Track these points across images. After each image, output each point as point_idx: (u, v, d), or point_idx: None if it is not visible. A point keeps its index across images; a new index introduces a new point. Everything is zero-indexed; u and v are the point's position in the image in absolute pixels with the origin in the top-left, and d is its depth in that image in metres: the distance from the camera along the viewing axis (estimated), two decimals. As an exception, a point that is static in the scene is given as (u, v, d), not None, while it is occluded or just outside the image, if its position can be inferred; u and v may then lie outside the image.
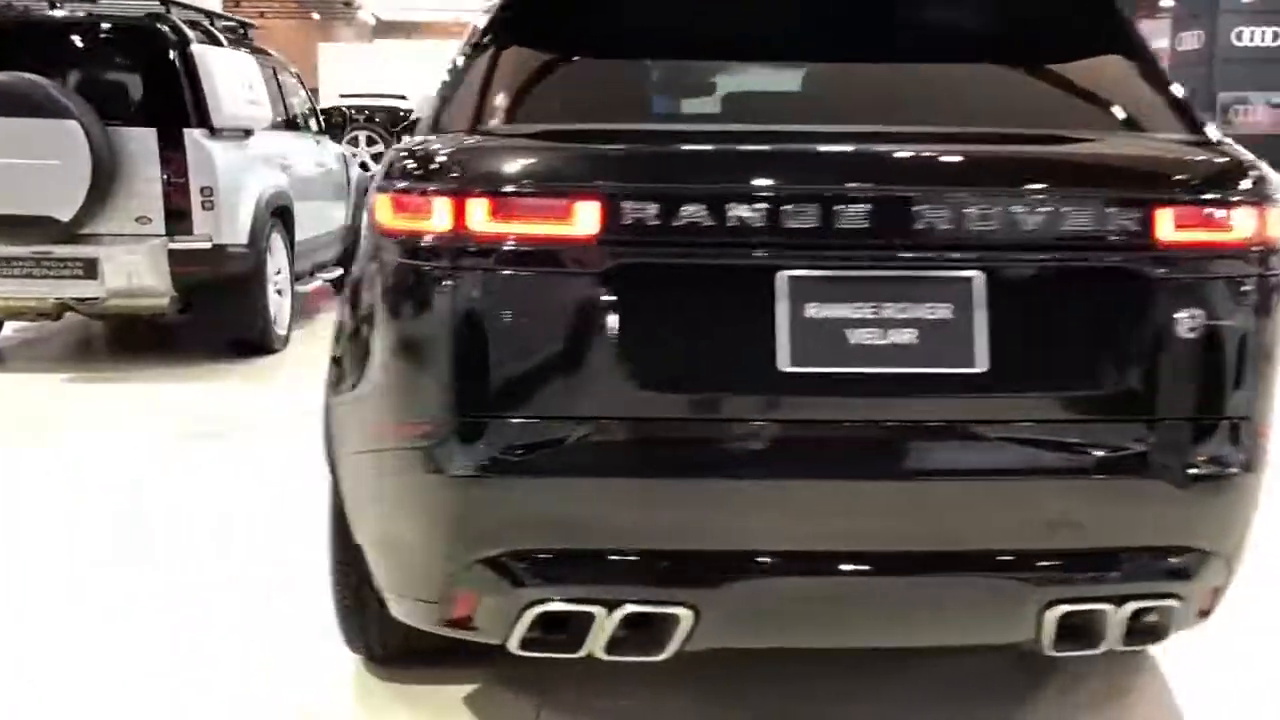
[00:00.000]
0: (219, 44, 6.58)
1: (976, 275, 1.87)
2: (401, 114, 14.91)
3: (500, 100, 2.16)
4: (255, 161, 6.64)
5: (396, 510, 2.08)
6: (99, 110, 5.87)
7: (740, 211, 1.83)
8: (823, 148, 1.96)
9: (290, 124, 7.64)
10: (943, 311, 1.86)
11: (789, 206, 1.83)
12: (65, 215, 5.78)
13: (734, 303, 1.88)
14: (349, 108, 15.61)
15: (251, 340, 6.57)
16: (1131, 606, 1.95)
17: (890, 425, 1.89)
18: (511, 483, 1.91)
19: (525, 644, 1.99)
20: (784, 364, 1.84)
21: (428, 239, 1.95)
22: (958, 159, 1.96)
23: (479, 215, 1.89)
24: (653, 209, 1.83)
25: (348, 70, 23.05)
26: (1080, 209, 1.90)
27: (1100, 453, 1.94)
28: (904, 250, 1.86)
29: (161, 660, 2.81)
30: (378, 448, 2.10)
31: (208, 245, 6.06)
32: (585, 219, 1.85)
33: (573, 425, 1.89)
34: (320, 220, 7.83)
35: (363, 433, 2.15)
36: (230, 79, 6.41)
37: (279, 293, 6.74)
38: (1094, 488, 1.97)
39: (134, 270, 6.00)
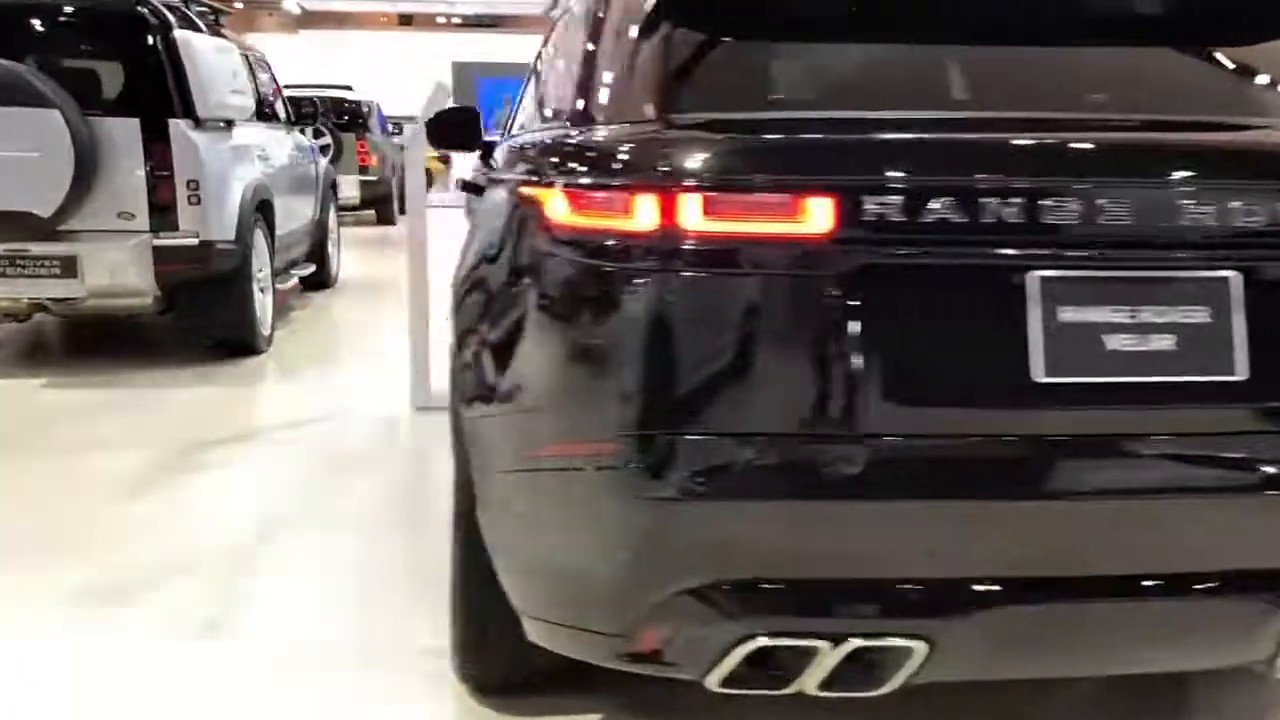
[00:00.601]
0: (198, 30, 6.26)
1: (1233, 275, 1.74)
2: (348, 105, 14.53)
3: (683, 85, 1.97)
4: (239, 153, 6.33)
5: (574, 537, 1.90)
6: (77, 99, 5.54)
7: (992, 206, 1.68)
8: (1079, 138, 1.81)
9: (263, 114, 7.32)
10: (1199, 315, 1.73)
11: (1043, 201, 1.68)
12: (46, 211, 5.43)
13: (982, 307, 1.73)
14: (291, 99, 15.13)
15: (237, 341, 6.27)
16: None
17: (1147, 439, 1.76)
18: (729, 507, 1.74)
19: (729, 680, 1.83)
20: (1037, 374, 1.70)
21: (627, 239, 1.77)
22: (1218, 150, 1.84)
23: (693, 212, 1.71)
24: (896, 204, 1.67)
25: (273, 63, 22.43)
26: None
27: None
28: (1159, 248, 1.73)
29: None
30: (548, 468, 1.91)
31: (194, 242, 5.75)
32: (818, 216, 1.68)
33: (798, 443, 1.73)
34: (294, 215, 7.53)
35: (524, 451, 1.96)
36: (214, 67, 6.10)
37: (261, 291, 6.45)
38: None
39: (116, 268, 5.67)
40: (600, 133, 1.95)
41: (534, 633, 2.14)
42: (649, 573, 1.79)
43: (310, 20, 32.91)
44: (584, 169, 1.87)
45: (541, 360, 1.92)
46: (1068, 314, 1.70)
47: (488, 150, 4.18)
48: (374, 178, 14.11)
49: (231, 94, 6.32)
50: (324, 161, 8.95)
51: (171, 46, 5.75)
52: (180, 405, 5.33)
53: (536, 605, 2.07)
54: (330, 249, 9.00)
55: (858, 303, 1.69)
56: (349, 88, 15.07)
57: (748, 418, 1.73)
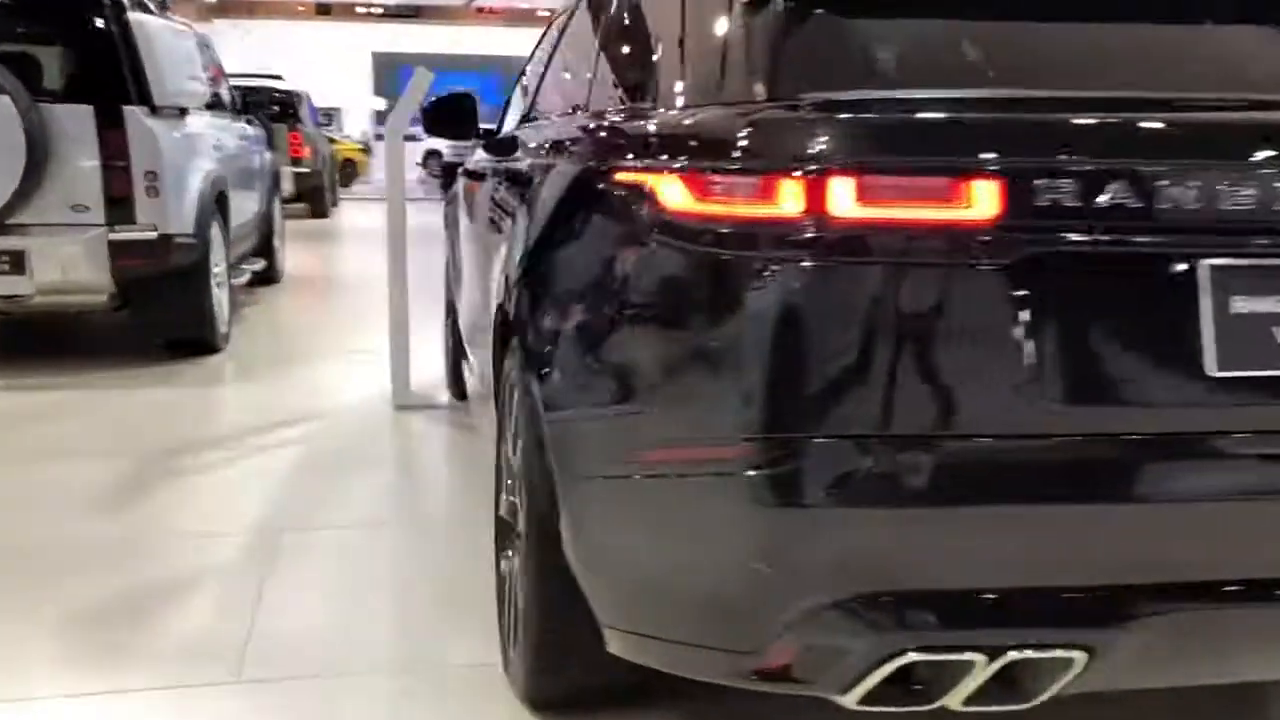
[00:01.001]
0: (149, 12, 5.96)
1: None
2: (278, 95, 14.12)
3: (802, 61, 1.83)
4: (195, 143, 6.05)
5: (700, 549, 1.76)
6: (26, 85, 5.22)
7: (1166, 191, 1.58)
8: (1247, 119, 1.72)
9: (213, 102, 7.02)
10: None
11: (1217, 185, 1.59)
12: (-5, 203, 5.12)
13: (1152, 298, 1.63)
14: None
15: (195, 340, 5.99)
16: None
17: None
18: (880, 514, 1.62)
19: (869, 698, 1.71)
20: (1211, 368, 1.60)
21: (764, 226, 1.63)
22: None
23: (844, 197, 1.58)
24: (1067, 189, 1.56)
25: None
26: None
27: None
28: None
29: None
30: (666, 474, 1.77)
31: (153, 235, 5.47)
32: (984, 201, 1.56)
33: (953, 445, 1.61)
34: (245, 207, 7.24)
35: (639, 457, 1.82)
36: (170, 50, 5.82)
37: (218, 286, 6.17)
38: None
39: (69, 264, 5.38)
40: (721, 113, 1.81)
41: (631, 650, 2.00)
42: (787, 586, 1.67)
43: (226, 8, 32.07)
44: (711, 153, 1.72)
45: (657, 359, 1.78)
46: (1241, 304, 1.61)
47: (487, 138, 4.04)
48: (307, 169, 13.76)
49: (188, 80, 6.04)
50: (269, 152, 8.65)
51: (126, 29, 5.45)
52: (142, 408, 5.06)
53: (642, 622, 1.93)
54: (276, 243, 8.71)
55: (1023, 294, 1.58)
56: (279, 77, 14.67)
57: (901, 418, 1.61)
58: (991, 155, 1.59)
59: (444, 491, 3.95)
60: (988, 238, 1.58)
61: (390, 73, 32.74)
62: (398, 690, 2.52)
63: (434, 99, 3.93)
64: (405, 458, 4.39)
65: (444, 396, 5.23)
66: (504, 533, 2.70)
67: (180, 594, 3.01)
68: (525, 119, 3.55)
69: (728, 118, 1.78)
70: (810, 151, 1.61)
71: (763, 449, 1.64)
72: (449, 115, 3.90)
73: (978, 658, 1.64)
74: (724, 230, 1.68)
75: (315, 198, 14.49)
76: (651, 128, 1.99)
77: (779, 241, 1.62)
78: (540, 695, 2.33)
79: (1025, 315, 1.59)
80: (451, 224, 4.83)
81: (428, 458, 4.37)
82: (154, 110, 5.52)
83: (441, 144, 27.56)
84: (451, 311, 5.21)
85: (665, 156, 1.81)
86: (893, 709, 1.75)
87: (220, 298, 6.19)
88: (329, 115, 17.81)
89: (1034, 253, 1.59)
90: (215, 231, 6.10)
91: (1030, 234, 1.59)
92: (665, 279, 1.78)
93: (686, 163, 1.75)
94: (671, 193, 1.75)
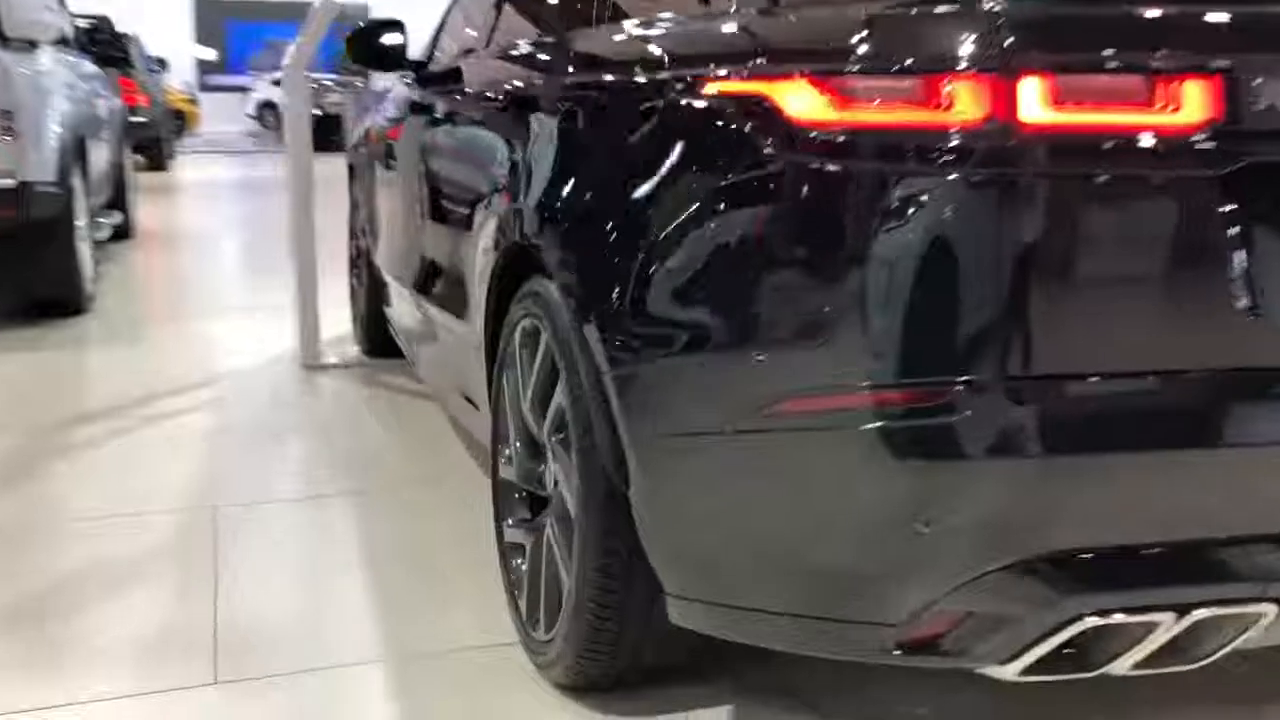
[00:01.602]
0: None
1: None
2: (107, 37, 13.05)
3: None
4: (51, 81, 5.45)
5: (828, 511, 1.54)
6: None
7: None
8: None
9: (60, 39, 6.35)
10: None
11: None
12: None
13: None
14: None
15: (59, 299, 5.42)
16: None
17: None
18: (1073, 463, 1.42)
19: (1033, 668, 1.53)
20: None
21: (930, 138, 1.41)
22: None
23: (1033, 102, 1.37)
24: None
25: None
26: None
27: None
28: None
29: None
30: (788, 428, 1.54)
31: (12, 184, 4.89)
32: (1197, 102, 1.37)
33: (1158, 382, 1.42)
34: (99, 156, 6.61)
35: (742, 408, 1.58)
36: (18, -25, 5.19)
37: (82, 242, 5.59)
38: None
39: (-86, 218, 4.77)
40: (859, 10, 1.55)
41: (719, 625, 1.78)
42: (955, 549, 1.46)
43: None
44: (859, 54, 1.48)
45: (789, 298, 1.53)
46: None
47: (417, 70, 3.68)
48: (144, 119, 12.79)
49: (41, 9, 5.41)
50: (116, 97, 7.95)
51: (-30, -51, 4.83)
52: (17, 377, 4.53)
53: (745, 595, 1.71)
54: (130, 195, 8.04)
55: (1238, 209, 1.40)
56: (106, 18, 13.58)
57: (1099, 354, 1.41)
58: (1203, 51, 1.39)
59: (383, 456, 3.61)
60: (1199, 145, 1.39)
61: (216, 24, 31.06)
62: (402, 681, 2.22)
63: (361, 25, 3.56)
64: (329, 421, 4.02)
65: (353, 353, 4.86)
66: (508, 499, 2.43)
67: (121, 584, 2.63)
68: (490, 41, 3.21)
69: (879, 9, 1.53)
70: (992, 47, 1.39)
71: (931, 394, 1.43)
72: (377, 44, 3.53)
73: (1164, 618, 1.47)
74: (874, 144, 1.45)
75: (152, 149, 13.54)
76: (762, 26, 1.72)
77: (947, 154, 1.40)
78: (586, 678, 2.08)
79: (1239, 233, 1.41)
80: (365, 170, 4.44)
81: (354, 420, 4.01)
82: (5, 41, 4.92)
83: (279, 95, 26.29)
84: (357, 264, 4.83)
85: (789, 60, 1.56)
86: (1053, 677, 1.57)
87: (85, 254, 5.62)
88: (161, 62, 16.65)
89: (1252, 162, 1.41)
90: (76, 180, 5.52)
91: (1249, 141, 1.40)
92: (800, 204, 1.53)
93: (823, 66, 1.50)
94: (803, 102, 1.50)
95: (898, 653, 1.58)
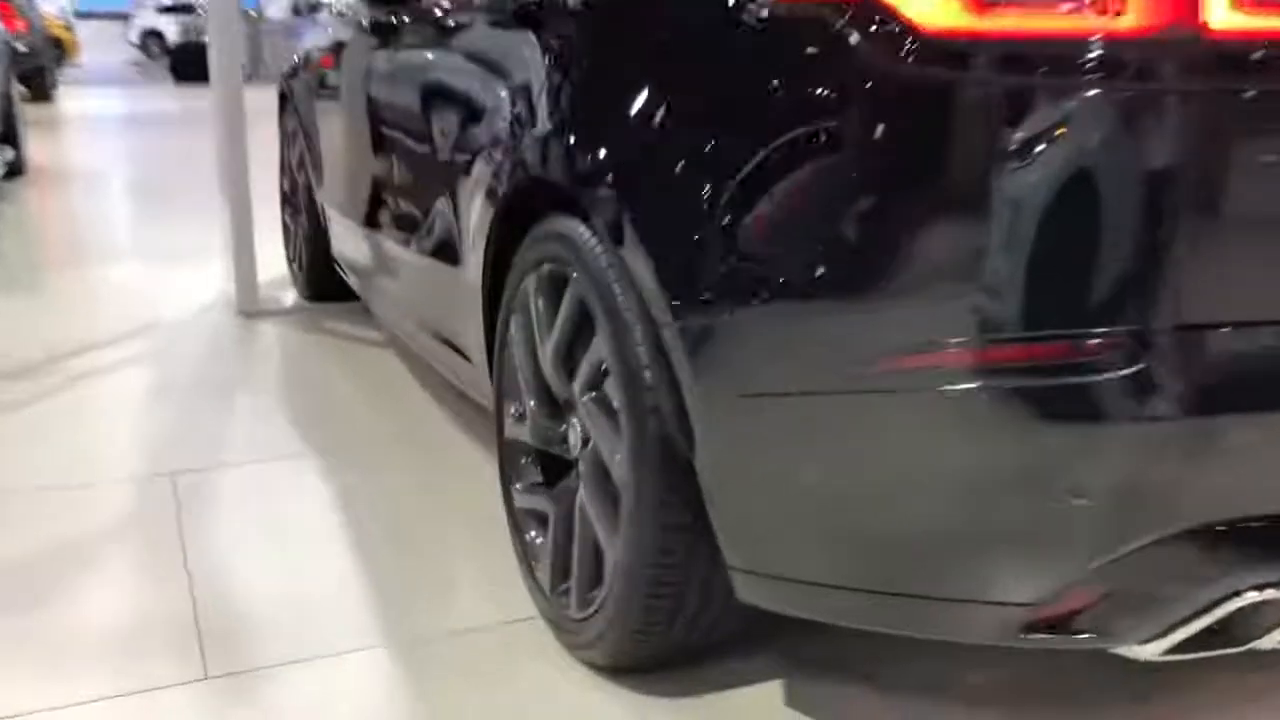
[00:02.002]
0: None
1: None
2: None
3: None
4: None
5: (958, 482, 1.37)
6: None
7: None
8: None
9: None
10: None
11: None
12: None
13: None
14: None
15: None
16: None
17: None
18: (1243, 423, 1.27)
19: (1177, 647, 1.38)
20: None
21: (1091, 49, 1.21)
22: None
23: (1222, 5, 1.18)
24: None
25: None
26: None
27: None
28: None
29: None
30: (906, 387, 1.35)
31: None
32: None
33: None
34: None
35: (851, 362, 1.39)
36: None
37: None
38: None
39: None
40: None
41: (801, 604, 1.62)
42: (1111, 523, 1.30)
43: None
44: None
45: (910, 235, 1.34)
46: None
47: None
48: (25, 47, 11.99)
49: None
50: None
51: None
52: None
53: (841, 573, 1.53)
54: (20, 129, 7.48)
55: None
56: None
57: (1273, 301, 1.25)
58: None
59: (345, 410, 3.35)
60: None
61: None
62: (415, 665, 2.01)
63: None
64: (280, 374, 3.73)
65: (292, 298, 4.55)
66: (517, 461, 2.22)
67: (83, 569, 2.36)
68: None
69: None
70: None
71: (1090, 348, 1.25)
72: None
73: (1339, 587, 1.33)
74: (1030, 54, 1.26)
75: (36, 79, 12.73)
76: None
77: (1116, 67, 1.21)
78: (632, 659, 1.90)
79: None
80: (304, 98, 4.10)
81: (307, 372, 3.73)
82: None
83: (165, 23, 25.04)
84: (292, 201, 4.51)
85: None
86: (1193, 655, 1.43)
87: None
88: (42, -17, 15.68)
89: None
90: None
91: None
92: (928, 127, 1.32)
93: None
94: (927, 3, 1.29)
95: (1024, 634, 1.42)
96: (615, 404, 1.79)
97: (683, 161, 1.58)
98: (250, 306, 4.30)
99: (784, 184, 1.45)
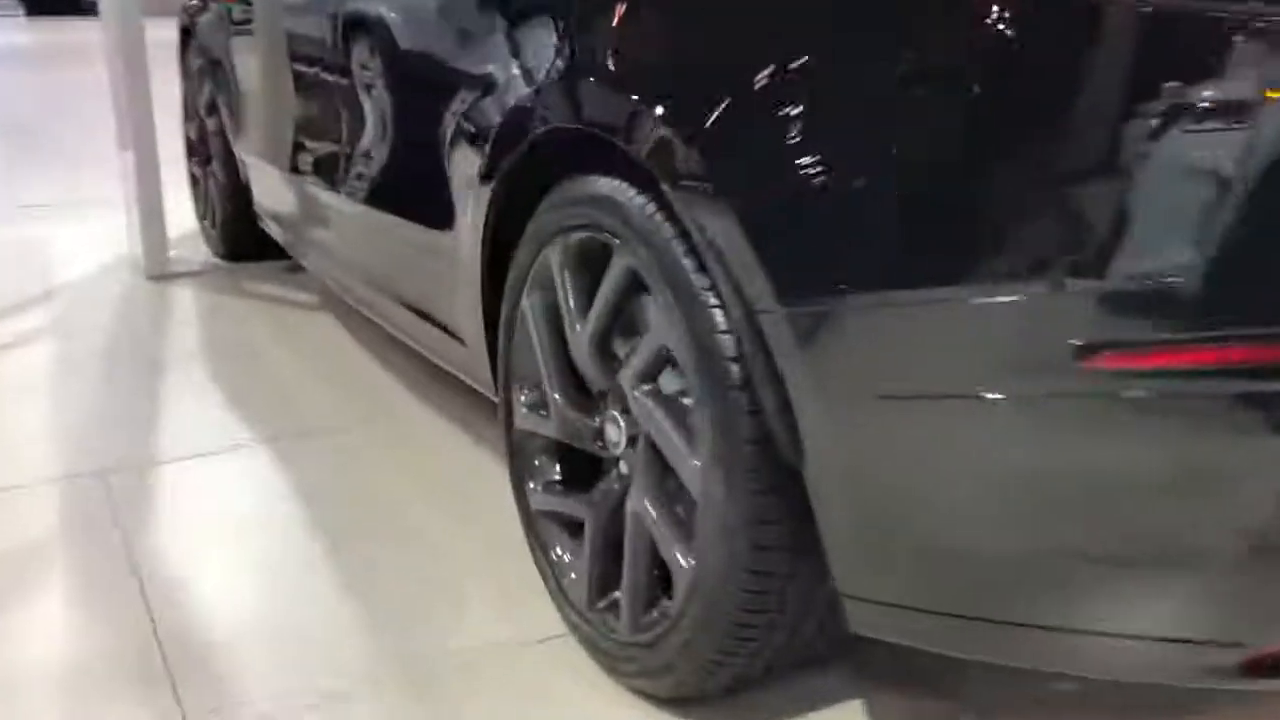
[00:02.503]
0: None
1: None
2: None
3: None
4: None
5: (1164, 500, 1.13)
6: None
7: None
8: None
9: None
10: None
11: None
12: None
13: None
14: None
15: None
16: None
17: None
18: None
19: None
20: None
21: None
22: None
23: None
24: None
25: None
26: None
27: None
28: None
29: None
30: (1112, 389, 1.11)
31: None
32: None
33: None
34: None
35: (1047, 356, 1.13)
36: None
37: None
38: None
39: None
40: None
41: (937, 638, 1.37)
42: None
43: None
44: None
45: (1134, 198, 1.08)
46: None
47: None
48: None
49: None
50: None
51: None
52: None
53: (998, 604, 1.29)
54: None
55: None
56: None
57: None
58: None
59: (292, 389, 2.98)
60: None
61: None
62: (421, 706, 1.73)
63: None
64: (206, 347, 3.33)
65: (203, 259, 4.13)
66: (531, 457, 1.93)
67: (21, 591, 2.00)
68: None
69: None
70: None
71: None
72: None
73: None
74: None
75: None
76: None
77: None
78: (701, 689, 1.64)
79: None
80: (217, 33, 3.66)
81: (237, 343, 3.33)
82: None
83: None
84: (201, 149, 4.07)
85: None
86: None
87: None
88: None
89: None
90: None
91: None
92: (1152, 59, 1.07)
93: None
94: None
95: (1234, 676, 1.20)
96: (688, 400, 1.51)
97: (799, 111, 1.29)
98: (160, 269, 3.87)
99: (958, 139, 1.18)
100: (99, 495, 2.35)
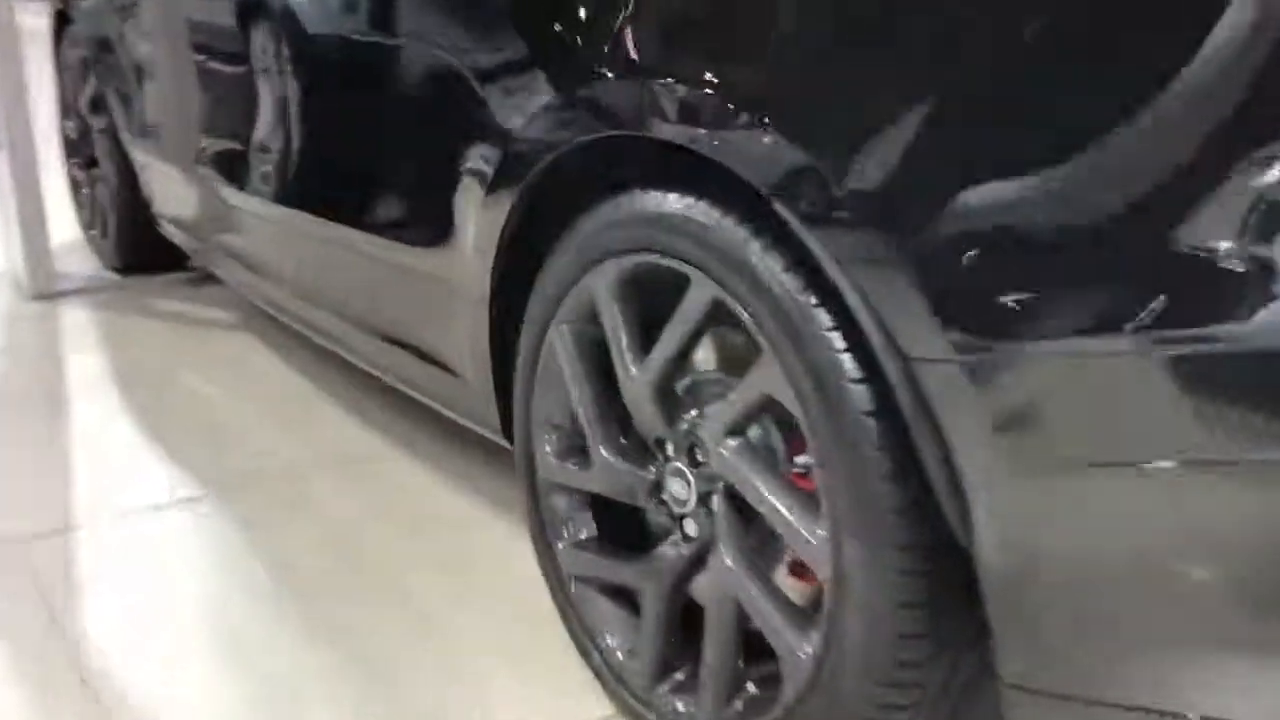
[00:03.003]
0: None
1: None
2: None
3: None
4: None
5: None
6: None
7: None
8: None
9: None
10: None
11: None
12: None
13: None
14: None
15: None
16: None
17: None
18: None
19: None
20: None
21: None
22: None
23: None
24: None
25: None
26: None
27: None
28: None
29: None
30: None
31: None
32: None
33: None
34: None
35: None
36: None
37: None
38: None
39: None
40: None
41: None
42: None
43: None
44: None
45: None
46: None
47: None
48: None
49: None
50: None
51: None
52: None
53: (1215, 699, 1.08)
54: None
55: None
56: None
57: None
58: None
59: (229, 426, 2.62)
60: None
61: None
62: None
63: None
64: (112, 375, 2.93)
65: (91, 273, 3.70)
66: (557, 509, 1.66)
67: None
68: None
69: None
70: None
71: None
72: None
73: None
74: None
75: None
76: None
77: None
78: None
79: None
80: (110, 18, 3.23)
81: (147, 368, 2.94)
82: None
83: None
84: (83, 149, 3.65)
85: None
86: None
87: None
88: None
89: None
90: None
91: None
92: None
93: None
94: None
95: None
96: (803, 460, 1.27)
97: (974, 114, 1.06)
98: (46, 287, 3.44)
99: (1188, 148, 0.95)
100: (18, 565, 1.99)
